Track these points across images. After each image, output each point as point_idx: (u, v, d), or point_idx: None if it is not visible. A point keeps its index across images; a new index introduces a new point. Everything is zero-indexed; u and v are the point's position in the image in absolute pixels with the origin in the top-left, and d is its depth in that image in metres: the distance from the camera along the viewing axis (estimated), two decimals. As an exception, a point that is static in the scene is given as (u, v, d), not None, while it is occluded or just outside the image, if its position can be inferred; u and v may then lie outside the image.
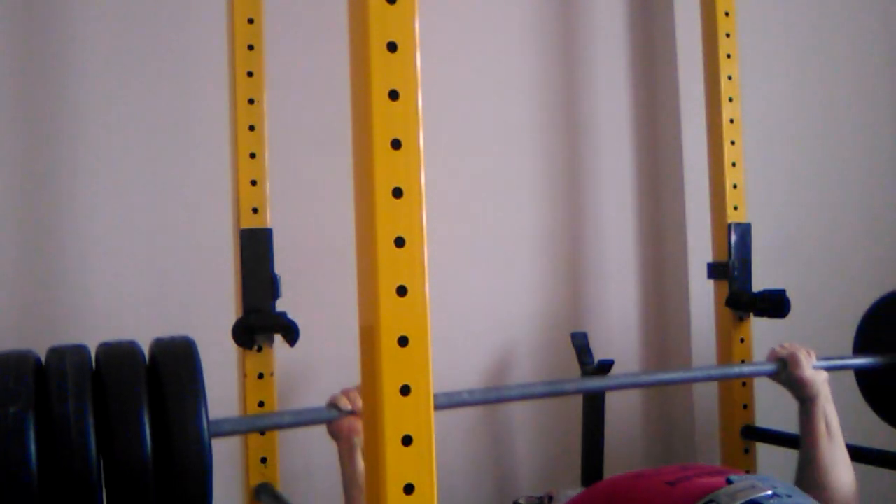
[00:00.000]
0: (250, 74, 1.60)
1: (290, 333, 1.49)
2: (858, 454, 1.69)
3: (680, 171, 2.15)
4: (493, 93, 2.07)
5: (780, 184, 2.27)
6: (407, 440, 0.85)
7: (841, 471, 1.51)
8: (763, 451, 1.90)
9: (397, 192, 0.87)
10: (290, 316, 1.52)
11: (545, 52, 2.14)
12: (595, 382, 1.79)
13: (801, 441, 1.57)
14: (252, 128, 1.59)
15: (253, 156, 1.59)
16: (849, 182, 2.38)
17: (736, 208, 1.91)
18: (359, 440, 1.30)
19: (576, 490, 1.66)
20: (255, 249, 1.56)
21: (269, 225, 1.59)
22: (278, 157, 1.64)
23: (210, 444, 0.98)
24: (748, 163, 1.94)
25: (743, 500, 1.16)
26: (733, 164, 1.91)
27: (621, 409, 2.10)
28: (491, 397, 1.49)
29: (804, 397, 1.58)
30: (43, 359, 0.99)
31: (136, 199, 1.71)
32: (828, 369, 1.61)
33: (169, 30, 1.75)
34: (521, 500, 1.86)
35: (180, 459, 0.96)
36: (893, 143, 2.46)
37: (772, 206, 2.20)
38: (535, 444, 2.06)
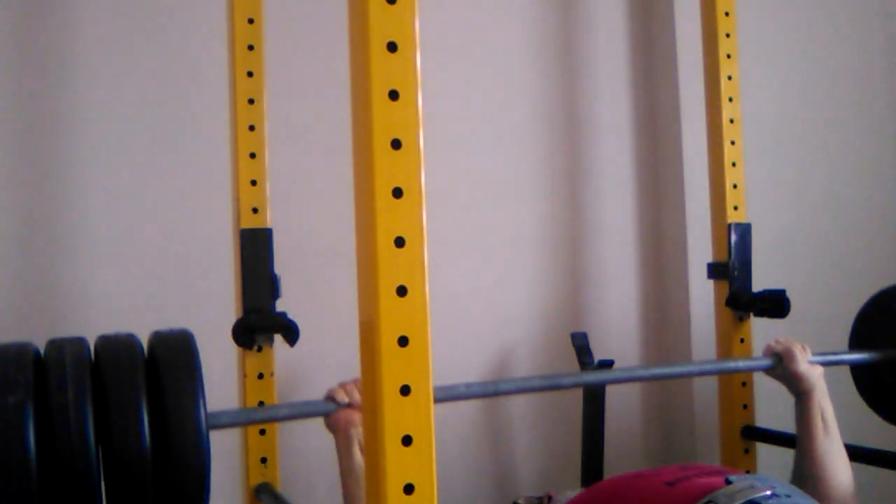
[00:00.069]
0: (250, 74, 1.60)
1: (290, 333, 1.49)
2: (857, 454, 1.69)
3: (680, 171, 2.15)
4: (494, 93, 2.07)
5: (780, 184, 2.27)
6: (407, 440, 0.85)
7: (838, 464, 1.52)
8: (763, 451, 1.90)
9: (397, 192, 0.87)
10: (290, 316, 1.52)
11: (545, 52, 2.15)
12: (592, 376, 1.80)
13: (798, 435, 1.58)
14: (252, 128, 1.59)
15: (253, 156, 1.59)
16: (849, 182, 2.38)
17: (736, 208, 1.91)
18: (356, 432, 1.31)
19: (575, 490, 1.66)
20: (255, 249, 1.56)
21: (269, 225, 1.59)
22: (278, 157, 1.64)
23: (208, 436, 0.99)
24: (748, 163, 1.94)
25: (742, 501, 1.16)
26: (733, 164, 1.92)
27: (621, 410, 2.10)
28: (488, 391, 1.50)
29: (800, 392, 1.59)
30: (42, 351, 0.99)
31: (136, 199, 1.71)
32: (823, 364, 1.62)
33: (169, 30, 1.75)
34: (520, 501, 1.86)
35: (178, 450, 0.96)
36: (893, 142, 2.46)
37: (772, 206, 2.20)
38: (534, 444, 2.06)
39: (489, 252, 2.03)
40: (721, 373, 1.89)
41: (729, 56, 1.93)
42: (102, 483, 0.95)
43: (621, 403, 2.10)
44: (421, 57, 0.88)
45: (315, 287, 1.78)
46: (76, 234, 1.67)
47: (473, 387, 1.39)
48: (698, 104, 1.99)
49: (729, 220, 1.90)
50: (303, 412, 1.34)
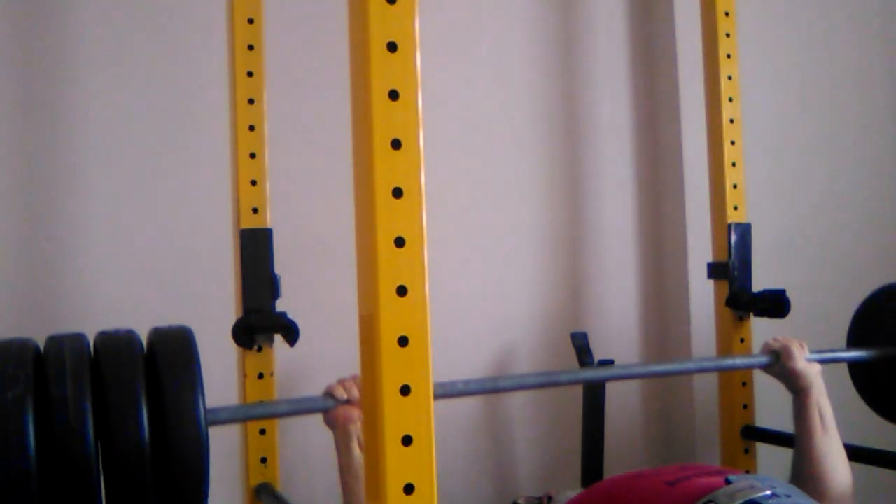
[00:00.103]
0: (250, 74, 1.60)
1: (290, 333, 1.49)
2: (857, 454, 1.69)
3: (680, 171, 2.15)
4: (494, 93, 2.07)
5: (780, 184, 2.27)
6: (407, 440, 0.85)
7: (836, 462, 1.52)
8: (763, 451, 1.90)
9: (397, 192, 0.87)
10: (290, 316, 1.52)
11: (545, 52, 2.15)
12: (590, 373, 1.80)
13: (796, 433, 1.58)
14: (252, 128, 1.59)
15: (253, 156, 1.59)
16: (848, 181, 2.38)
17: (736, 208, 1.91)
18: (354, 429, 1.31)
19: (575, 490, 1.67)
20: (255, 249, 1.56)
21: (269, 225, 1.59)
22: (278, 157, 1.64)
23: (207, 431, 0.99)
24: (748, 163, 1.94)
25: (742, 500, 1.16)
26: (733, 164, 1.92)
27: (621, 410, 2.10)
28: (487, 387, 1.50)
29: (797, 389, 1.59)
30: (42, 347, 1.00)
31: (136, 199, 1.72)
32: (820, 362, 1.62)
33: (169, 30, 1.75)
34: (520, 501, 1.86)
35: (178, 445, 0.97)
36: (893, 142, 2.46)
37: (772, 206, 2.20)
38: (534, 444, 2.06)
39: (489, 252, 2.03)
40: (719, 370, 1.89)
41: (729, 56, 1.93)
42: (102, 477, 0.95)
43: (621, 403, 2.10)
44: (421, 57, 0.88)
45: (315, 287, 1.78)
46: (76, 234, 1.67)
47: (472, 384, 1.39)
48: (698, 104, 1.99)
49: (729, 220, 1.90)
50: (302, 408, 1.35)
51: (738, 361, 1.77)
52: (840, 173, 2.37)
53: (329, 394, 1.29)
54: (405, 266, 0.87)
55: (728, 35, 1.93)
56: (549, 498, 1.82)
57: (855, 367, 1.81)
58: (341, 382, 1.30)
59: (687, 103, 2.13)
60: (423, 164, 0.88)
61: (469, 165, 2.01)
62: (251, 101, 1.59)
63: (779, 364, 1.60)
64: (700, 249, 2.05)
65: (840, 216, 2.35)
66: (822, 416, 1.56)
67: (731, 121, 1.92)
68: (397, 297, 0.86)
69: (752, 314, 1.90)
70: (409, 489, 0.85)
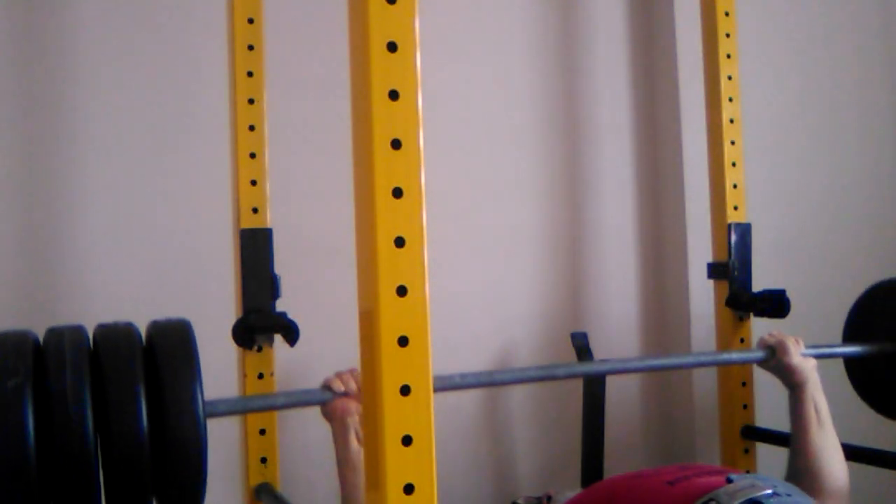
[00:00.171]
0: (250, 74, 1.60)
1: (290, 333, 1.49)
2: (857, 454, 1.69)
3: (680, 171, 2.15)
4: (494, 93, 2.07)
5: (780, 184, 2.27)
6: (407, 440, 0.85)
7: (832, 456, 1.53)
8: (763, 451, 1.90)
9: (397, 192, 0.86)
10: (290, 316, 1.52)
11: (545, 52, 2.15)
12: (587, 367, 1.81)
13: (792, 428, 1.59)
14: (252, 128, 1.59)
15: (253, 156, 1.59)
16: (848, 181, 2.38)
17: (736, 208, 1.91)
18: (352, 421, 1.32)
19: (575, 490, 1.67)
20: (255, 249, 1.56)
21: (269, 225, 1.59)
22: (278, 157, 1.64)
23: (205, 423, 1.00)
24: (748, 163, 1.94)
25: (743, 499, 1.16)
26: (733, 164, 1.92)
27: (621, 409, 2.10)
28: (483, 381, 1.50)
29: (793, 384, 1.60)
30: (41, 339, 1.00)
31: (136, 199, 1.72)
32: (816, 357, 1.63)
33: (169, 30, 1.75)
34: (519, 501, 1.86)
35: (176, 436, 0.97)
36: (893, 142, 2.46)
37: (772, 206, 2.20)
38: (534, 444, 2.06)
39: (489, 252, 2.03)
40: (716, 364, 1.90)
41: (729, 56, 1.93)
42: (100, 468, 0.95)
43: (621, 403, 2.10)
44: (421, 57, 0.88)
45: (315, 287, 1.78)
46: (75, 235, 1.67)
47: (469, 377, 1.40)
48: (698, 104, 1.99)
49: (729, 220, 1.90)
50: (300, 401, 1.36)
51: (735, 356, 1.78)
52: (840, 173, 2.37)
53: (327, 387, 1.31)
54: (405, 266, 0.87)
55: (728, 35, 1.93)
56: (549, 498, 1.82)
57: (850, 363, 1.82)
58: (339, 375, 1.32)
59: (687, 103, 2.13)
60: (423, 164, 0.88)
61: (469, 165, 2.01)
62: (251, 101, 1.59)
63: (774, 359, 1.61)
64: (700, 249, 2.05)
65: (840, 216, 2.35)
66: (817, 411, 1.57)
67: (731, 121, 1.92)
68: (397, 297, 0.86)
69: (752, 314, 1.90)
70: (409, 489, 0.85)
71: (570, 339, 1.96)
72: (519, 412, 2.05)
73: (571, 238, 2.15)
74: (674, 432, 2.19)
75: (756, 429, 1.89)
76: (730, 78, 1.93)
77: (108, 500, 0.97)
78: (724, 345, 1.92)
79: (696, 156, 2.05)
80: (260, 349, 1.57)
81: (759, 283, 1.91)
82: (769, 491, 1.18)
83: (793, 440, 1.58)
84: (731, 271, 1.89)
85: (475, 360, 1.99)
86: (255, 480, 1.56)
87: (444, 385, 1.33)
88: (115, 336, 1.01)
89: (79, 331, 1.01)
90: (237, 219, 1.59)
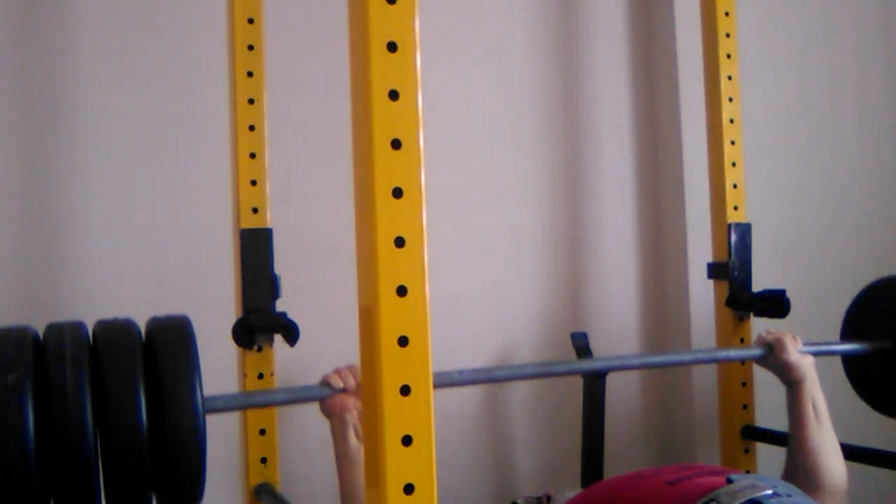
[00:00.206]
0: (250, 74, 1.60)
1: (290, 333, 1.49)
2: (857, 454, 1.69)
3: (680, 171, 2.15)
4: (494, 93, 2.07)
5: (780, 184, 2.27)
6: (407, 440, 0.85)
7: (830, 453, 1.53)
8: (763, 451, 1.90)
9: (397, 192, 0.87)
10: (290, 316, 1.52)
11: (545, 52, 2.15)
12: (585, 364, 1.82)
13: (790, 425, 1.59)
14: (252, 128, 1.59)
15: (253, 156, 1.59)
16: (848, 181, 2.38)
17: (736, 208, 1.91)
18: (350, 417, 1.32)
19: (575, 490, 1.66)
20: (255, 249, 1.56)
21: (269, 225, 1.59)
22: (278, 157, 1.64)
23: (204, 418, 1.00)
24: (748, 163, 1.94)
25: (743, 500, 1.16)
26: (733, 164, 1.92)
27: (622, 410, 2.10)
28: (481, 377, 1.50)
29: (791, 381, 1.60)
30: (41, 335, 1.01)
31: (136, 199, 1.71)
32: (814, 354, 1.63)
33: (169, 30, 1.75)
34: (519, 501, 1.86)
35: (175, 432, 0.98)
36: (893, 142, 2.46)
37: (772, 206, 2.20)
38: (534, 444, 2.06)
39: (489, 252, 2.03)
40: (713, 361, 1.91)
41: (729, 56, 1.93)
42: (99, 462, 0.96)
43: (621, 403, 2.10)
44: (421, 57, 0.88)
45: (315, 287, 1.78)
46: (75, 235, 1.67)
47: (466, 373, 1.40)
48: (698, 104, 1.99)
49: (729, 220, 1.90)
50: (298, 397, 1.37)
51: (732, 353, 1.78)
52: (840, 173, 2.37)
53: (325, 383, 1.31)
54: (405, 266, 0.87)
55: (728, 35, 1.93)
56: (549, 498, 1.82)
57: (849, 361, 1.83)
58: (337, 371, 1.33)
59: (687, 103, 2.13)
60: (423, 164, 0.88)
61: (469, 165, 2.01)
62: (251, 101, 1.59)
63: (772, 356, 1.62)
64: (700, 249, 2.05)
65: (840, 216, 2.35)
66: (815, 408, 1.57)
67: (731, 121, 1.92)
68: (397, 297, 0.86)
69: (752, 314, 1.90)
70: (409, 489, 0.85)
71: (570, 340, 1.96)
72: (519, 412, 2.05)
73: (571, 238, 2.14)
74: (674, 432, 2.19)
75: (756, 429, 1.89)
76: (730, 78, 1.93)
77: (107, 495, 0.98)
78: (724, 345, 1.92)
79: (696, 156, 2.05)
80: (260, 349, 1.57)
81: (759, 283, 1.91)
82: (769, 491, 1.18)
83: (791, 437, 1.58)
84: (731, 271, 1.89)
85: (475, 361, 1.99)
86: (255, 480, 1.56)
87: (443, 381, 1.33)
88: (115, 332, 1.02)
89: (78, 327, 1.02)
90: (237, 219, 1.59)
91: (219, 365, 1.43)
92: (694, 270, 2.10)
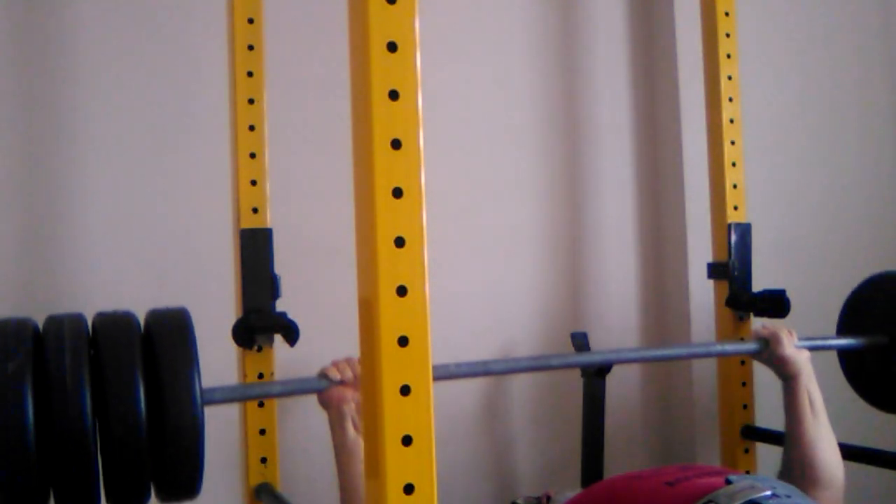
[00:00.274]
0: (250, 74, 1.60)
1: (290, 333, 1.49)
2: (857, 454, 1.70)
3: (680, 171, 2.15)
4: (494, 93, 2.07)
5: (780, 184, 2.27)
6: (407, 440, 0.85)
7: (826, 447, 1.53)
8: (763, 451, 1.90)
9: (397, 192, 0.86)
10: (290, 316, 1.52)
11: (545, 52, 2.15)
12: (582, 358, 1.83)
13: (786, 420, 1.60)
14: (252, 128, 1.59)
15: (253, 156, 1.59)
16: (848, 181, 2.38)
17: (736, 208, 1.91)
18: (348, 408, 1.33)
19: (575, 490, 1.66)
20: (255, 249, 1.56)
21: (269, 225, 1.59)
22: (278, 157, 1.64)
23: (203, 410, 1.01)
24: (748, 163, 1.94)
25: (742, 501, 1.16)
26: (733, 164, 1.92)
27: (622, 410, 2.10)
28: (478, 370, 1.51)
29: (787, 375, 1.61)
30: (41, 327, 1.01)
31: (136, 199, 1.71)
32: (809, 348, 1.64)
33: (169, 30, 1.75)
34: (519, 501, 1.86)
35: (173, 423, 0.98)
36: (893, 142, 2.46)
37: (772, 206, 2.20)
38: (534, 444, 2.06)
39: (489, 252, 2.03)
40: (709, 356, 1.92)
41: (729, 56, 1.93)
42: (98, 452, 0.96)
43: (621, 403, 2.10)
44: (421, 57, 0.88)
45: (315, 287, 1.78)
46: (75, 235, 1.67)
47: (464, 366, 1.41)
48: (698, 104, 1.99)
49: (729, 220, 1.90)
50: (297, 388, 1.38)
51: (729, 348, 1.78)
52: (840, 173, 2.37)
53: (323, 375, 1.33)
54: (405, 266, 0.87)
55: (728, 35, 1.93)
56: (549, 498, 1.82)
57: (845, 356, 1.83)
58: (335, 364, 1.34)
59: (687, 103, 2.13)
60: (423, 164, 0.88)
61: (469, 165, 2.01)
62: (251, 101, 1.59)
63: (768, 350, 1.62)
64: (700, 249, 2.05)
65: (840, 216, 2.35)
66: (811, 402, 1.57)
67: (731, 121, 1.92)
68: (397, 297, 0.86)
69: (752, 314, 1.90)
70: (409, 489, 0.85)
71: (570, 340, 1.96)
72: (519, 412, 2.05)
73: (571, 238, 2.14)
74: (674, 432, 2.19)
75: (756, 429, 1.89)
76: (730, 78, 1.93)
77: (106, 484, 0.99)
78: (724, 345, 1.92)
79: (696, 156, 2.05)
80: (260, 349, 1.57)
81: (759, 283, 1.91)
82: (768, 492, 1.18)
83: (787, 431, 1.59)
84: (731, 271, 1.89)
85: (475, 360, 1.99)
86: (255, 480, 1.56)
87: (441, 374, 1.33)
88: (114, 323, 1.03)
89: (78, 318, 1.02)
90: (237, 219, 1.59)
91: (219, 365, 1.43)
92: (694, 270, 2.10)
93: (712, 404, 2.00)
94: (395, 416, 0.85)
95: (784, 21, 2.33)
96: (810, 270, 2.25)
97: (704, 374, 2.07)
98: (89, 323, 1.03)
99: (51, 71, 1.66)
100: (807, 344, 1.64)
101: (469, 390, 1.99)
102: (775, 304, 1.81)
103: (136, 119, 1.71)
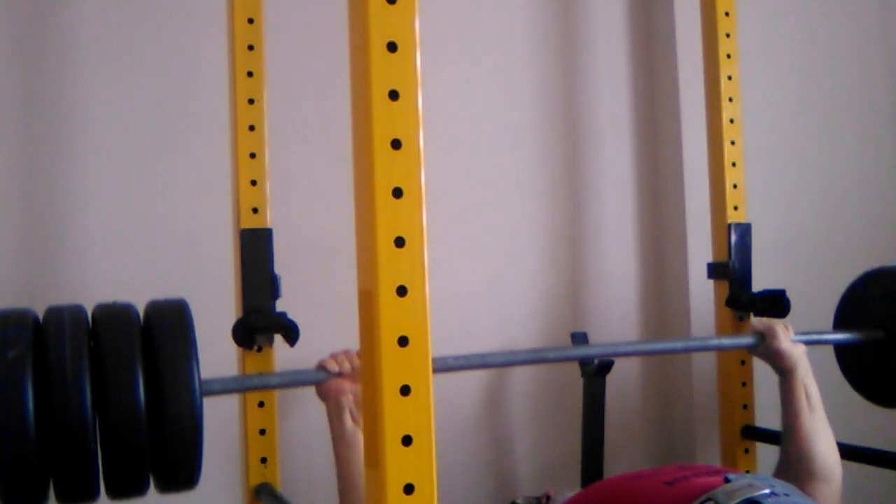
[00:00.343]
0: (250, 74, 1.60)
1: (290, 333, 1.49)
2: (857, 454, 1.69)
3: (680, 171, 2.15)
4: (494, 93, 2.07)
5: (780, 184, 2.27)
6: (407, 440, 0.85)
7: (823, 441, 1.53)
8: (763, 451, 1.90)
9: (397, 192, 0.87)
10: (290, 316, 1.52)
11: (545, 52, 2.15)
12: (579, 351, 1.84)
13: (783, 414, 1.60)
14: (252, 128, 1.59)
15: (253, 156, 1.59)
16: (848, 182, 2.38)
17: (736, 208, 1.91)
18: (346, 400, 1.34)
19: (575, 490, 1.66)
20: (255, 249, 1.56)
21: (269, 225, 1.59)
22: (278, 157, 1.64)
23: (201, 401, 1.01)
24: (748, 163, 1.94)
25: (740, 499, 1.16)
26: (733, 164, 1.92)
27: (622, 409, 2.10)
28: (474, 363, 1.51)
29: (783, 369, 1.61)
30: (41, 318, 1.02)
31: (136, 199, 1.72)
32: (805, 343, 1.64)
33: (169, 30, 1.75)
34: (518, 501, 1.86)
35: (172, 414, 0.99)
36: (893, 141, 2.46)
37: (772, 206, 2.20)
38: (534, 444, 2.06)
39: (489, 252, 2.03)
40: (706, 349, 1.93)
41: (729, 56, 1.93)
42: (98, 443, 0.97)
43: (621, 403, 2.10)
44: (421, 57, 0.88)
45: (315, 287, 1.78)
46: (75, 235, 1.67)
47: (461, 359, 1.41)
48: (698, 104, 1.99)
49: (729, 220, 1.90)
50: (294, 381, 1.38)
51: (725, 342, 1.79)
52: (840, 173, 2.37)
53: (322, 367, 1.34)
54: (405, 266, 0.87)
55: (728, 35, 1.93)
56: (548, 498, 1.82)
57: (841, 351, 1.84)
58: (333, 356, 1.35)
59: (687, 103, 2.13)
60: (423, 164, 0.88)
61: (469, 165, 2.01)
62: (251, 101, 1.59)
63: (764, 344, 1.63)
64: (700, 249, 2.05)
65: (840, 216, 2.35)
66: (808, 396, 1.58)
67: (731, 121, 1.92)
68: (397, 297, 0.86)
69: (752, 314, 1.90)
70: (409, 489, 0.85)
71: (570, 340, 1.96)
72: (519, 412, 2.05)
73: (571, 238, 2.15)
74: (674, 432, 2.19)
75: (756, 429, 1.89)
76: (730, 78, 1.93)
77: (105, 475, 0.99)
78: (724, 344, 1.92)
79: (696, 156, 2.05)
80: (260, 349, 1.57)
81: (759, 283, 1.91)
82: (767, 491, 1.18)
83: (784, 425, 1.59)
84: (731, 271, 1.89)
85: (475, 360, 1.99)
86: (255, 480, 1.56)
87: (439, 367, 1.33)
88: (114, 315, 1.03)
89: (78, 310, 1.03)
90: (237, 219, 1.59)
91: (219, 365, 1.43)
92: (694, 270, 2.10)
93: (712, 404, 2.00)
94: (395, 415, 0.85)
95: (784, 21, 2.33)
96: (810, 270, 2.25)
97: (704, 373, 2.07)
98: (89, 314, 1.04)
99: (51, 71, 1.67)
100: (803, 338, 1.64)
101: (469, 390, 1.99)
102: (775, 303, 1.81)
103: (136, 119, 1.72)
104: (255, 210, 1.58)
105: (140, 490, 1.02)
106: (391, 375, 0.86)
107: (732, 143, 1.92)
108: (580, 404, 1.93)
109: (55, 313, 1.01)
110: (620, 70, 2.22)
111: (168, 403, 0.98)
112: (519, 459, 2.05)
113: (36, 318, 1.00)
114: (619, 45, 2.22)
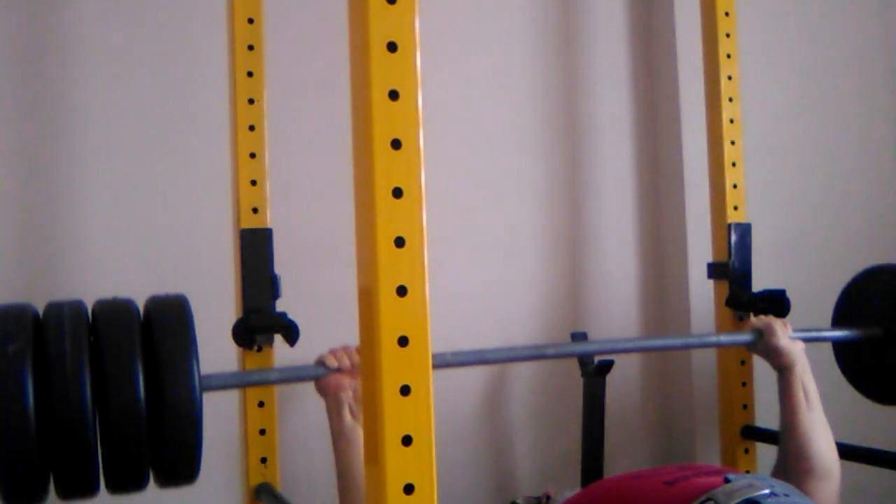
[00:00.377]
0: (250, 74, 1.60)
1: (290, 333, 1.49)
2: (857, 454, 1.69)
3: (680, 172, 2.15)
4: (494, 92, 2.07)
5: (780, 184, 2.27)
6: (407, 440, 0.85)
7: (821, 438, 1.54)
8: (763, 451, 1.90)
9: (397, 192, 0.87)
10: (290, 316, 1.52)
11: (545, 52, 2.15)
12: (577, 347, 1.85)
13: (781, 411, 1.60)
14: (252, 128, 1.59)
15: (253, 156, 1.59)
16: (849, 181, 2.38)
17: (736, 208, 1.91)
18: (345, 396, 1.35)
19: (575, 490, 1.66)
20: (255, 249, 1.56)
21: (269, 225, 1.59)
22: (278, 157, 1.64)
23: (201, 396, 1.01)
24: (748, 163, 1.94)
25: (740, 499, 1.16)
26: (733, 164, 1.92)
27: (622, 409, 2.10)
28: (472, 359, 1.52)
29: (781, 366, 1.61)
30: (41, 313, 1.02)
31: (136, 199, 1.72)
32: (804, 340, 1.64)
33: (169, 29, 1.75)
34: (518, 500, 1.86)
35: (172, 409, 0.99)
36: (893, 141, 2.46)
37: (772, 206, 2.20)
38: (534, 443, 2.06)
39: (489, 252, 2.03)
40: (704, 346, 1.93)
41: (729, 56, 1.93)
42: (98, 437, 0.97)
43: (622, 403, 2.10)
44: (421, 57, 0.88)
45: (315, 287, 1.78)
46: (75, 235, 1.67)
47: (460, 355, 1.42)
48: (698, 104, 1.99)
49: (729, 220, 1.90)
50: (294, 376, 1.39)
51: (723, 339, 1.79)
52: (840, 173, 2.37)
53: (321, 362, 1.34)
54: (405, 266, 0.87)
55: (728, 35, 1.93)
56: (548, 497, 1.82)
57: (840, 348, 1.84)
58: (332, 352, 1.36)
59: (687, 103, 2.13)
60: (423, 164, 0.88)
61: (469, 165, 2.01)
62: (251, 101, 1.59)
63: (762, 341, 1.63)
64: (700, 249, 2.05)
65: (840, 216, 2.35)
66: (806, 393, 1.58)
67: (731, 121, 1.92)
68: (397, 297, 0.86)
69: (752, 314, 1.90)
70: (409, 489, 0.85)
71: (570, 339, 1.96)
72: (519, 412, 2.05)
73: (571, 238, 2.15)
74: (674, 432, 2.19)
75: (756, 429, 1.89)
76: (730, 78, 1.93)
77: (105, 470, 0.99)
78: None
79: (696, 156, 2.05)
80: (260, 349, 1.57)
81: (759, 283, 1.91)
82: (766, 491, 1.18)
83: (782, 423, 1.59)
84: (731, 271, 1.89)
85: (475, 360, 1.99)
86: (255, 480, 1.56)
87: (438, 363, 1.33)
88: (114, 310, 1.03)
89: (78, 305, 1.03)
90: (237, 219, 1.59)
91: (219, 365, 1.43)
92: (694, 270, 2.10)
93: (712, 404, 2.00)
94: (395, 415, 0.85)
95: (784, 21, 2.33)
96: (810, 270, 2.25)
97: (704, 373, 2.07)
98: (89, 310, 1.04)
99: (51, 71, 1.67)
100: (801, 335, 1.64)
101: (469, 390, 1.99)
102: (775, 303, 1.81)
103: (135, 119, 1.72)
104: (255, 210, 1.58)
105: (140, 484, 1.02)
106: (391, 375, 0.86)
107: (732, 143, 1.92)
108: (580, 404, 1.93)
109: (55, 308, 1.01)
110: (620, 70, 2.22)
111: (168, 398, 0.99)
112: (519, 459, 2.05)
113: (36, 314, 1.01)
114: (619, 45, 2.22)
